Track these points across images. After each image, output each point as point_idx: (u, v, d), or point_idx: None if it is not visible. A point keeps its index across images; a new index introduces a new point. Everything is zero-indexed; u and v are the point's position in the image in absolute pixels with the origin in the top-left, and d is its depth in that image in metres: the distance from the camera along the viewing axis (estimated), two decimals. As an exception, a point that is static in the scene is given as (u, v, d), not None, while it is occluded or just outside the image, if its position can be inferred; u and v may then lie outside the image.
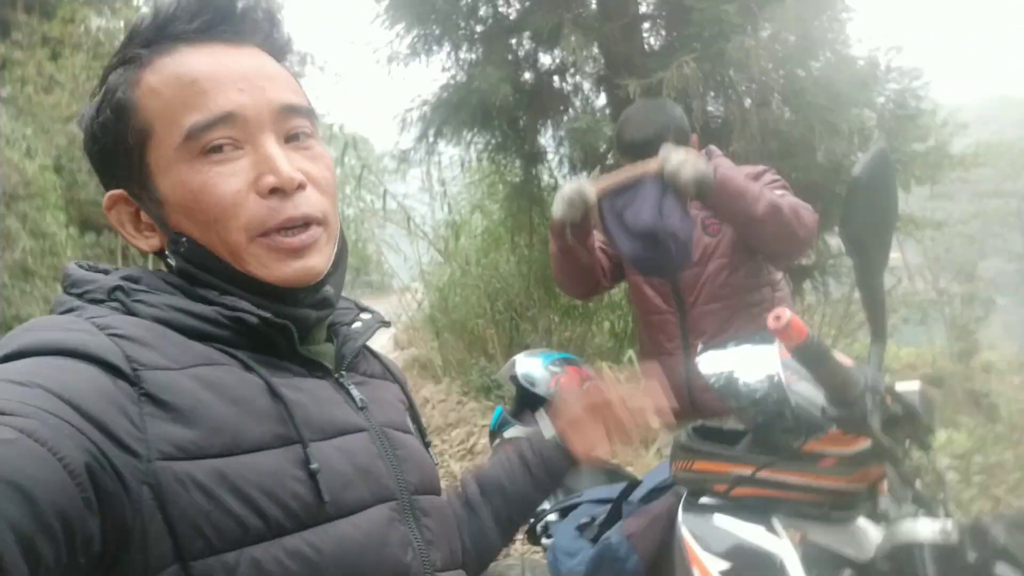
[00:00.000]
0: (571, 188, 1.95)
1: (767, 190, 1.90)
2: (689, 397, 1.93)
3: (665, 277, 2.04)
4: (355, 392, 0.85)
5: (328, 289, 0.84)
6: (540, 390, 2.11)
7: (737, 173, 1.93)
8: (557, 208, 1.97)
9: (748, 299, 1.98)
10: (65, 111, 9.14)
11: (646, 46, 6.09)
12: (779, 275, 2.13)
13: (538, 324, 7.05)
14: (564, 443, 1.13)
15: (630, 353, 6.06)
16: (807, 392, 1.12)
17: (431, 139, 6.67)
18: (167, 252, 0.81)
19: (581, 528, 1.60)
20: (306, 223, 0.79)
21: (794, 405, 1.11)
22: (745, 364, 1.23)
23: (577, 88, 6.60)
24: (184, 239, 0.79)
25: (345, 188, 8.89)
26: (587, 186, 1.93)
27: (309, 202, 0.80)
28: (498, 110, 5.99)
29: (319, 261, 0.81)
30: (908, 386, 1.12)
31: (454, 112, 6.02)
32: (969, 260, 26.53)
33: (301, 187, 0.79)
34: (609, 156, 6.43)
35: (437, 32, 6.22)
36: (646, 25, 6.13)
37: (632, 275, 2.22)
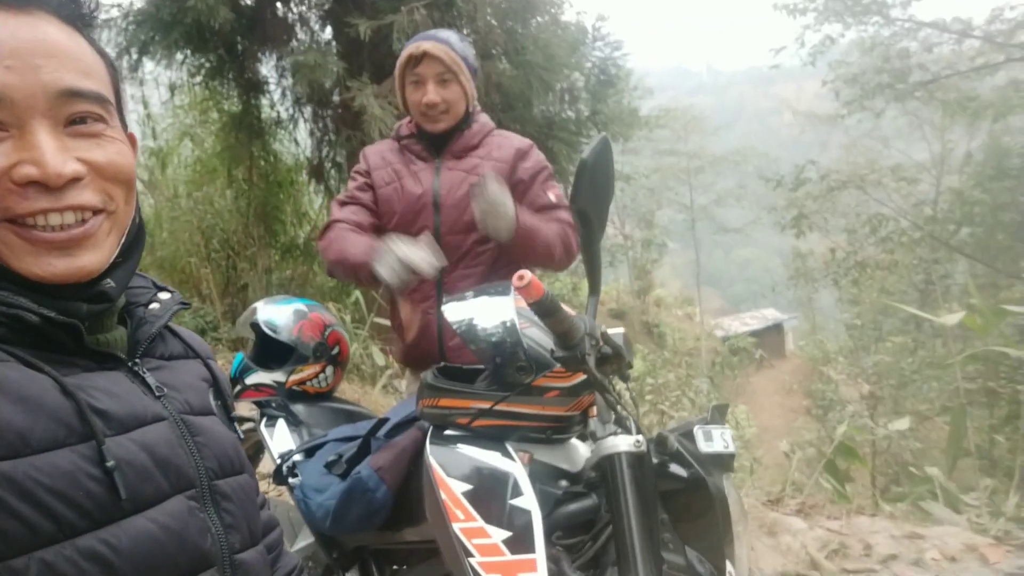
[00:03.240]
0: (401, 262, 1.78)
1: (554, 229, 2.01)
2: (440, 346, 2.07)
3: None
4: (151, 379, 0.82)
5: (107, 283, 0.78)
6: (283, 336, 2.11)
7: (532, 219, 1.97)
8: (386, 277, 1.79)
9: (501, 271, 2.15)
10: None
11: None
12: None
13: (257, 263, 6.77)
14: None
15: (356, 295, 6.12)
16: (537, 336, 1.33)
17: (134, 56, 5.98)
18: None
19: (329, 466, 1.69)
20: (83, 215, 0.73)
21: (526, 347, 1.31)
22: (484, 312, 1.41)
23: (303, 19, 6.33)
24: None
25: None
26: (422, 261, 1.77)
27: (83, 192, 0.72)
28: (216, 33, 5.55)
29: (93, 258, 0.75)
30: (616, 331, 1.41)
31: (165, 30, 5.46)
32: (649, 209, 30.56)
33: (76, 179, 0.72)
34: (335, 93, 6.33)
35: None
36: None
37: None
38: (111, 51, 5.85)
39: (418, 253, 1.78)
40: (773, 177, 14.61)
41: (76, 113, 0.72)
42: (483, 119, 2.21)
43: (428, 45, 2.05)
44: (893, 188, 15.60)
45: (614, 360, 1.35)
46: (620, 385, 1.40)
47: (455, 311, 1.40)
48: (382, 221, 2.12)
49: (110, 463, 0.68)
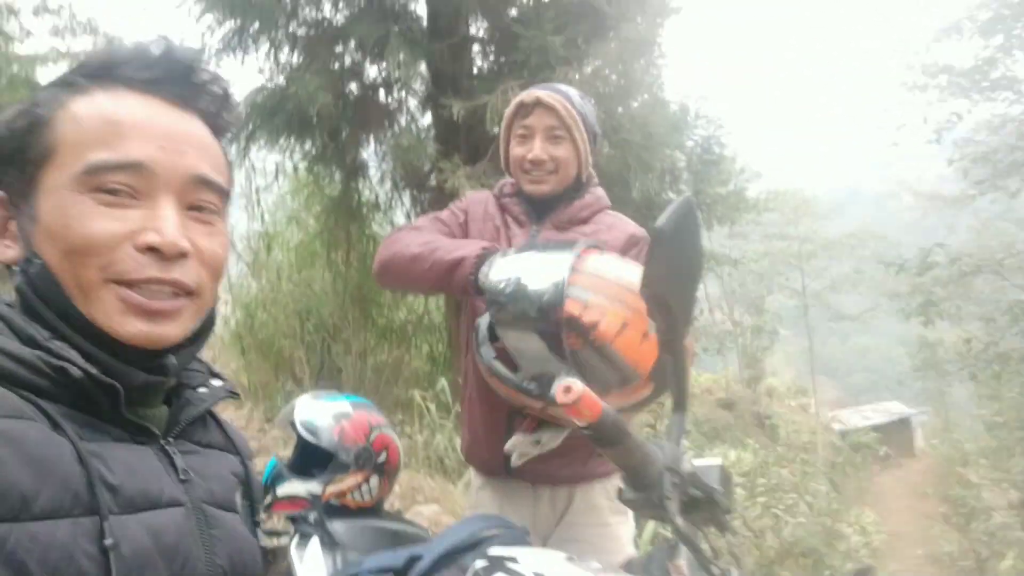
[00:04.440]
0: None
1: None
2: (506, 456, 1.73)
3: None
4: (179, 461, 0.80)
5: (171, 359, 0.80)
6: (322, 440, 1.83)
7: None
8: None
9: None
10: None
11: (474, 68, 6.05)
12: None
13: (352, 346, 6.70)
14: None
15: (443, 382, 5.88)
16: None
17: (243, 143, 6.21)
18: (17, 269, 0.77)
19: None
20: (176, 292, 0.77)
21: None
22: (534, 270, 1.24)
23: (402, 104, 6.43)
24: (38, 261, 0.74)
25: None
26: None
27: (185, 271, 0.77)
28: (318, 119, 5.67)
29: (174, 331, 0.78)
30: (708, 462, 1.04)
31: (268, 117, 5.63)
32: (759, 295, 29.39)
33: (183, 255, 0.76)
34: (432, 176, 6.33)
35: (254, 29, 5.80)
36: (475, 48, 6.09)
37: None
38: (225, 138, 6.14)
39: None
40: (895, 262, 13.63)
41: (200, 200, 0.79)
42: (599, 192, 1.95)
43: (542, 93, 1.82)
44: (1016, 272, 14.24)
45: (706, 505, 1.00)
46: (715, 536, 1.04)
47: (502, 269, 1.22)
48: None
49: (108, 541, 0.66)
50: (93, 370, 0.71)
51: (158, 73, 0.79)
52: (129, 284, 0.74)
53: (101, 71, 0.78)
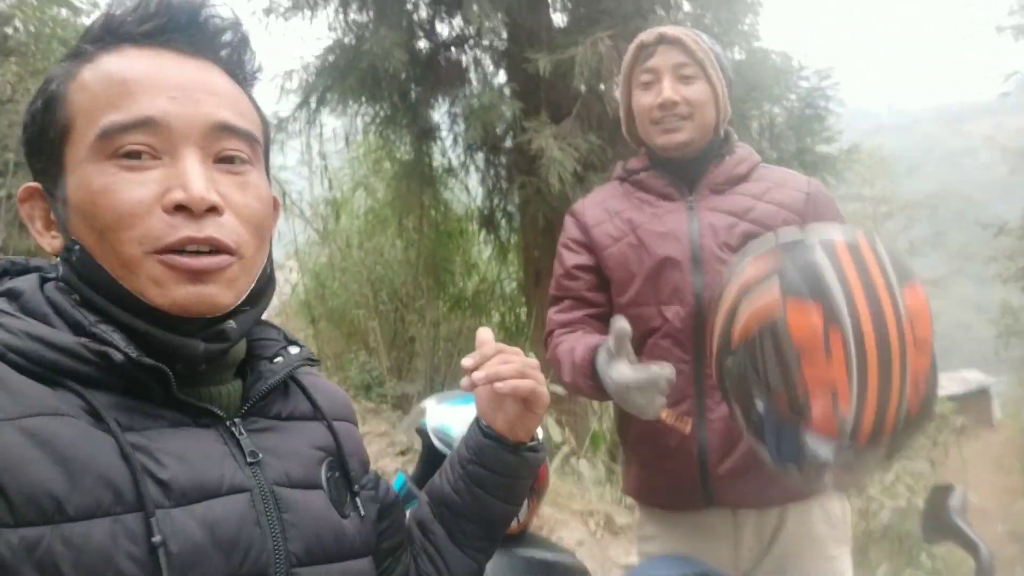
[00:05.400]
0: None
1: None
2: (703, 475, 1.49)
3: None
4: (246, 443, 0.75)
5: (230, 324, 0.75)
6: None
7: None
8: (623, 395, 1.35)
9: None
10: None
11: (553, 21, 5.65)
12: None
13: (426, 316, 6.49)
14: (493, 429, 0.97)
15: (530, 353, 5.56)
16: None
17: (313, 107, 5.96)
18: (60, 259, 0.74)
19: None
20: (213, 249, 0.72)
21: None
22: None
23: (477, 61, 6.08)
24: (77, 247, 0.72)
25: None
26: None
27: (220, 227, 0.72)
28: (389, 79, 5.38)
29: (223, 293, 0.73)
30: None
31: (340, 78, 5.37)
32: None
33: (215, 211, 0.72)
34: (508, 138, 6.00)
35: (323, -15, 5.52)
36: (555, -2, 5.68)
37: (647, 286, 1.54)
38: (293, 101, 5.83)
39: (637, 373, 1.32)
40: (991, 223, 12.73)
41: (226, 149, 0.75)
42: (746, 147, 1.62)
43: (665, 29, 1.54)
44: None
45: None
46: None
47: None
48: (616, 295, 1.56)
49: (156, 538, 0.62)
50: (133, 353, 0.68)
51: (160, 22, 0.75)
52: (168, 250, 0.70)
53: (103, 33, 0.75)
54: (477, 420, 1.00)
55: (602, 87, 4.95)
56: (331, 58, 5.44)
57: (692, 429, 1.41)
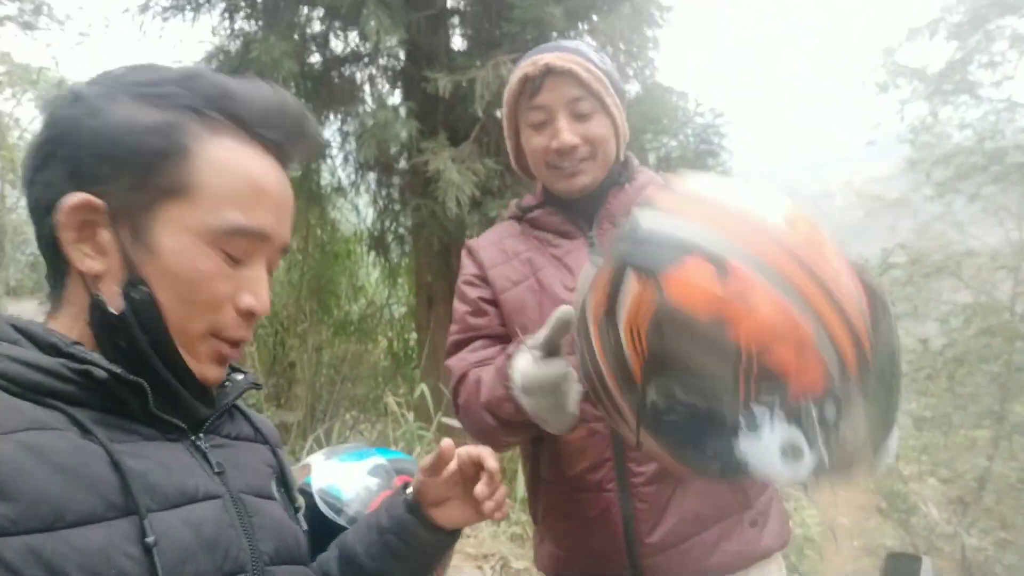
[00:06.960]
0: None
1: None
2: (628, 554, 1.31)
3: None
4: (212, 455, 0.80)
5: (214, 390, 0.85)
6: (351, 511, 1.26)
7: None
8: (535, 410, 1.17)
9: None
10: None
11: (453, 42, 5.55)
12: None
13: (308, 340, 6.17)
14: (421, 508, 0.99)
15: (422, 387, 5.13)
16: None
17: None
18: (97, 286, 0.75)
19: None
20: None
21: None
22: None
23: (372, 79, 5.88)
24: (145, 289, 0.75)
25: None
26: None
27: (252, 330, 0.82)
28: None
29: (223, 373, 0.84)
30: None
31: (224, 84, 5.02)
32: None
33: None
34: (402, 159, 5.82)
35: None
36: (455, 20, 5.58)
37: None
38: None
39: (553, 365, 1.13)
40: (853, 263, 13.65)
41: (275, 264, 0.84)
42: (647, 172, 1.49)
43: (551, 57, 1.32)
44: (972, 276, 14.51)
45: None
46: None
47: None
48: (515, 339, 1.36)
49: (149, 539, 0.67)
50: (117, 370, 0.72)
51: (282, 136, 0.80)
52: (224, 339, 0.79)
53: (224, 110, 0.77)
54: (404, 490, 1.00)
55: (499, 113, 4.90)
56: (214, 64, 5.10)
57: (613, 496, 1.27)
